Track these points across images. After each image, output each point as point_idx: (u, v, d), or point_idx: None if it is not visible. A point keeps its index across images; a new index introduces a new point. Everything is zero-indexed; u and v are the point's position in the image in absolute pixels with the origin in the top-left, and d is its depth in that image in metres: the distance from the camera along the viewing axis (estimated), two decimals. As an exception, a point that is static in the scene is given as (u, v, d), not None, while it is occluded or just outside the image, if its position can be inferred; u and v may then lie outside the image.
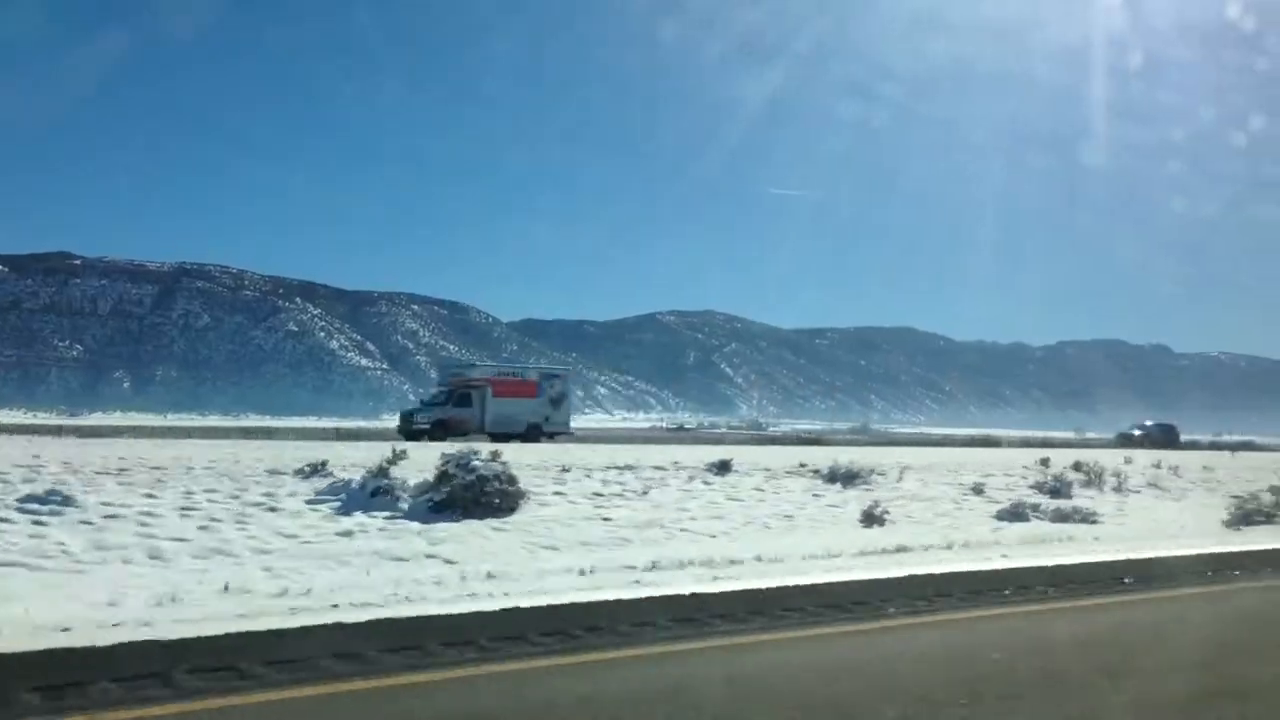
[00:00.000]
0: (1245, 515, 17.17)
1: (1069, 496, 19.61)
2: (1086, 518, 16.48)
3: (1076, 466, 24.04)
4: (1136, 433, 57.48)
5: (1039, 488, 20.47)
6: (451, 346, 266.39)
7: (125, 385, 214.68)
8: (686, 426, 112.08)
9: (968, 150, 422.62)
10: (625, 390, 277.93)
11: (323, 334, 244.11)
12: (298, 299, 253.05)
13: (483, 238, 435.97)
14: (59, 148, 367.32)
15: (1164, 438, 54.33)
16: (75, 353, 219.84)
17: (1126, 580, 10.47)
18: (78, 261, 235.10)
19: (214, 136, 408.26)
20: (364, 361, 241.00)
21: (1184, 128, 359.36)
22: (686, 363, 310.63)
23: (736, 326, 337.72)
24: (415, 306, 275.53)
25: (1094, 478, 22.46)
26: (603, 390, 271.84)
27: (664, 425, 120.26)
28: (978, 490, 19.84)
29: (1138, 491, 22.35)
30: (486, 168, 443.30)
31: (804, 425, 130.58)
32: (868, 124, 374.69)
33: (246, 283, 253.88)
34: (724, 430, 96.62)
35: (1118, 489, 22.09)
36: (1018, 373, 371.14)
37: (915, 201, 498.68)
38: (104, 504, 12.06)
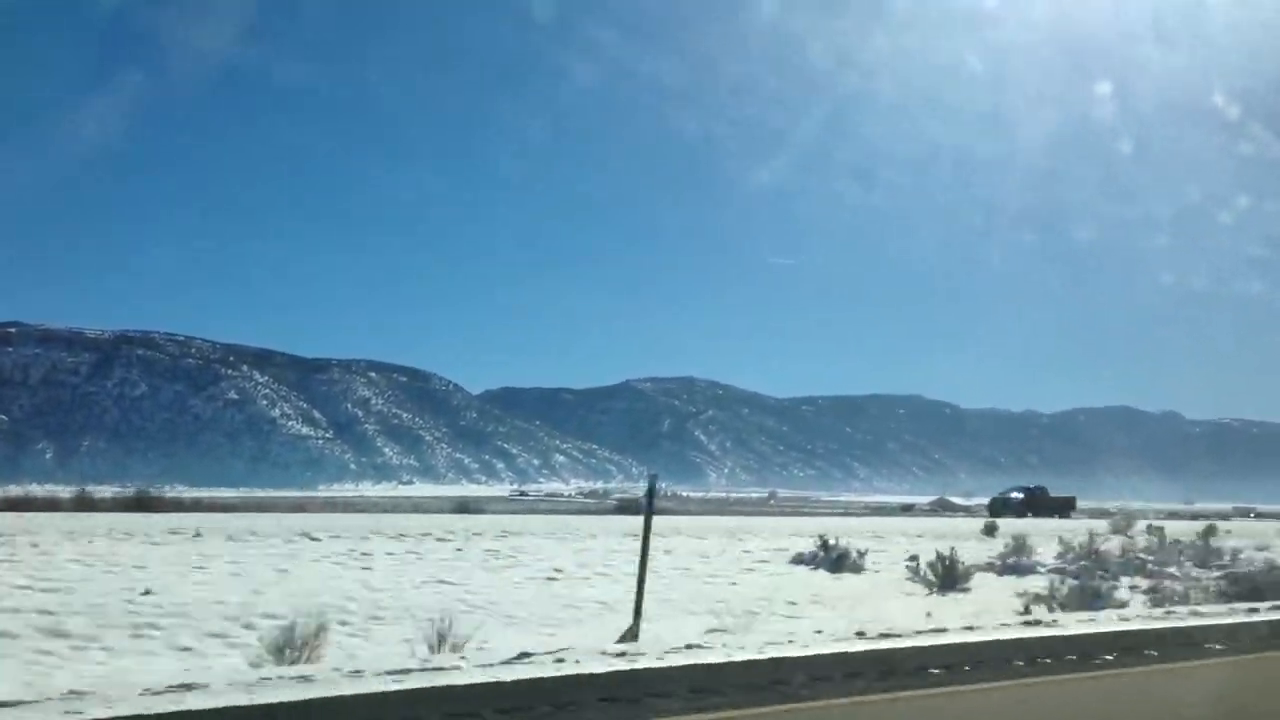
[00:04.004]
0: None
1: None
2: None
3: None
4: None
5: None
6: (405, 414, 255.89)
7: (48, 456, 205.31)
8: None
9: (970, 225, 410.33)
10: (586, 459, 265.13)
11: (265, 402, 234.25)
12: (244, 366, 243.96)
13: (456, 307, 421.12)
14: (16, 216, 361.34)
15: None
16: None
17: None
18: (13, 330, 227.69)
19: (175, 202, 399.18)
20: (305, 430, 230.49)
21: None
22: (660, 430, 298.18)
23: (718, 393, 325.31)
24: (372, 374, 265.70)
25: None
26: (561, 459, 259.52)
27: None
28: None
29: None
30: (464, 235, 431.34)
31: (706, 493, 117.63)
32: (864, 199, 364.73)
33: (192, 350, 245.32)
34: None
35: None
36: (1022, 440, 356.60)
37: (919, 273, 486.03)
38: None
